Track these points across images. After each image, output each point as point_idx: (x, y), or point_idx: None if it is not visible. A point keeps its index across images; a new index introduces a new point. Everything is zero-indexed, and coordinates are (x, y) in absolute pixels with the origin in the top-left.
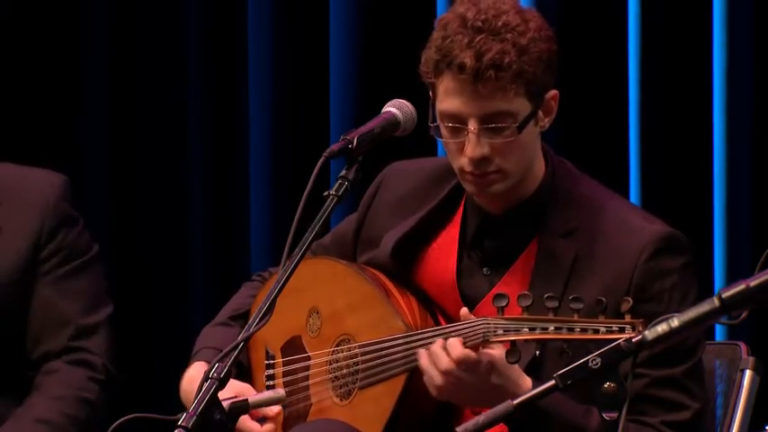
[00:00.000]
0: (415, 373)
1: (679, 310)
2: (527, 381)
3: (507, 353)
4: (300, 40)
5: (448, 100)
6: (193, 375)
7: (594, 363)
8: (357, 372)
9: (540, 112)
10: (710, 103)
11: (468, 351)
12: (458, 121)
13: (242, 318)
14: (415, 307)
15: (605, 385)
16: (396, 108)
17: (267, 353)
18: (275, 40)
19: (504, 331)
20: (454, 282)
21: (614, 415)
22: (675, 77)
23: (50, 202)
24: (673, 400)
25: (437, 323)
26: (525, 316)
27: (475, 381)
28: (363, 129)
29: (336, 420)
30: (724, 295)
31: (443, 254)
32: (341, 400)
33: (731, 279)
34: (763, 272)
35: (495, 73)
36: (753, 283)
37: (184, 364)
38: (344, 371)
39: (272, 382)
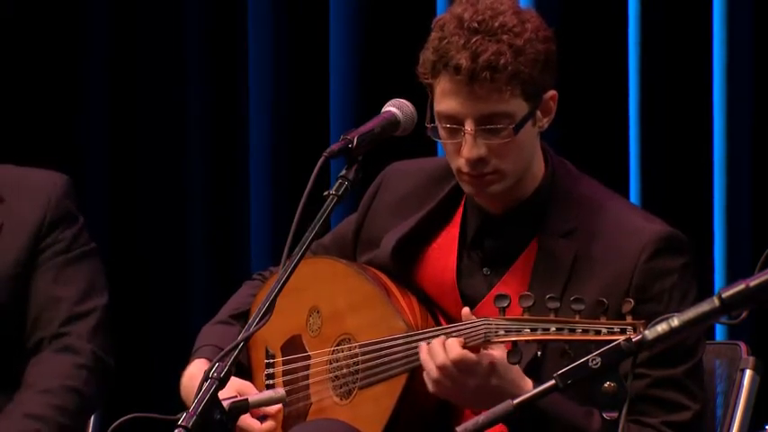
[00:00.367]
0: (416, 373)
1: (679, 309)
2: (528, 382)
3: (509, 353)
4: (300, 40)
5: (444, 101)
6: (193, 372)
7: (594, 362)
8: (357, 371)
9: (539, 113)
10: (710, 103)
11: (465, 352)
12: (454, 122)
13: (242, 316)
14: (416, 307)
15: (605, 385)
16: (396, 108)
17: (267, 352)
18: (275, 40)
19: (506, 332)
20: (454, 282)
21: (614, 415)
22: (675, 77)
23: (52, 199)
24: (673, 400)
25: (437, 323)
26: (527, 317)
27: (475, 381)
28: (363, 128)
29: (336, 420)
30: (724, 295)
31: (443, 254)
32: (341, 399)
33: (731, 279)
34: (763, 272)
35: (491, 74)
36: (753, 283)
37: (184, 364)
38: (345, 370)
39: (271, 381)
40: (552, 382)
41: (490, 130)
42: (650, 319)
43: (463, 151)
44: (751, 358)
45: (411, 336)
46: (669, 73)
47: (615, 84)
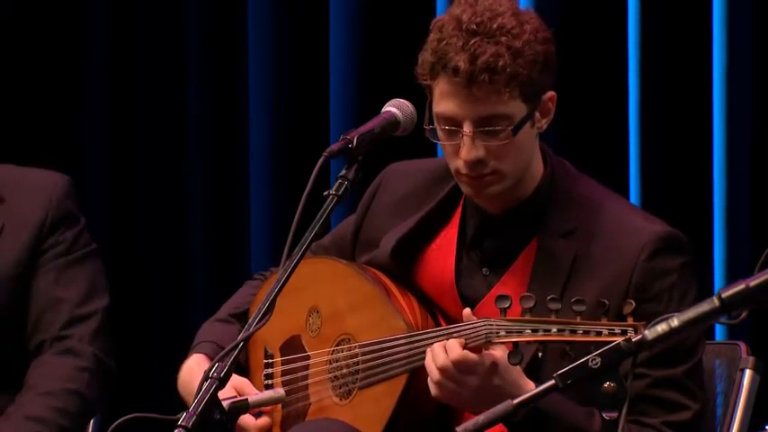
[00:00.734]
0: (416, 374)
1: (679, 309)
2: (528, 383)
3: (510, 354)
4: (300, 40)
5: (443, 102)
6: (191, 366)
7: (594, 362)
8: (357, 371)
9: (537, 114)
10: (710, 103)
11: (466, 352)
12: (453, 124)
13: (242, 316)
14: (416, 307)
15: (605, 385)
16: (396, 108)
17: (266, 352)
18: (275, 40)
19: (507, 333)
20: (453, 282)
21: (614, 415)
22: (675, 77)
23: (53, 200)
24: (673, 400)
25: (437, 323)
26: (528, 317)
27: (476, 381)
28: (363, 128)
29: (336, 420)
30: (724, 295)
31: (443, 254)
32: (340, 399)
33: (731, 279)
34: (763, 272)
35: (490, 76)
36: (753, 283)
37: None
38: (344, 370)
39: (270, 382)
40: (552, 382)
41: (489, 132)
42: (650, 319)
43: (462, 153)
44: (751, 358)
45: (413, 336)
46: (669, 73)
47: (615, 84)
